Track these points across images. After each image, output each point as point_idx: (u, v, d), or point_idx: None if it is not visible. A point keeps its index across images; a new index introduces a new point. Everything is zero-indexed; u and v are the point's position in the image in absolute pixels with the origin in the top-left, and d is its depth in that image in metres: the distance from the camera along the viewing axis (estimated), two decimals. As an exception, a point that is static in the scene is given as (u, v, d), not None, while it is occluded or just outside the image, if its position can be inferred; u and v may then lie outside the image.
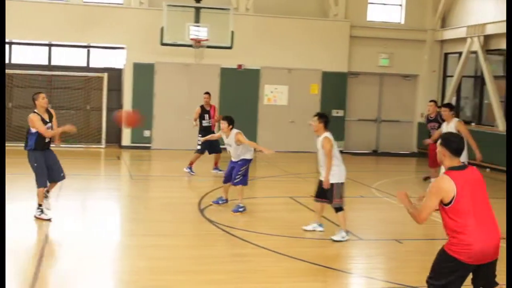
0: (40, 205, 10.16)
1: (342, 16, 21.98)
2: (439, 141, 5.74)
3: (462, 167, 5.61)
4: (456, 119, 12.57)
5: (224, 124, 11.38)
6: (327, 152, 9.56)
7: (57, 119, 10.67)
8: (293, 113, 21.17)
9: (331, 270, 8.32)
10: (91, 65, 21.07)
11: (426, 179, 15.17)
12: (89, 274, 7.78)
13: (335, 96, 21.79)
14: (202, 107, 15.73)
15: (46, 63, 20.69)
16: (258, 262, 8.56)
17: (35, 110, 10.17)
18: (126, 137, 20.42)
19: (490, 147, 16.13)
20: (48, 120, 10.22)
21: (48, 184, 10.37)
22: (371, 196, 13.75)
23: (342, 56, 21.78)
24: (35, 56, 20.77)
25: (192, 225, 10.66)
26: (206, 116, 15.67)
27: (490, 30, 19.77)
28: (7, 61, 19.81)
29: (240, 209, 11.27)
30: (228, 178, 11.64)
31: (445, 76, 22.84)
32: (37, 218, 10.14)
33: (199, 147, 15.30)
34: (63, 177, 10.52)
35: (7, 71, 18.20)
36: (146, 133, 20.40)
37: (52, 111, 10.47)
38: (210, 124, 15.69)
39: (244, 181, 11.46)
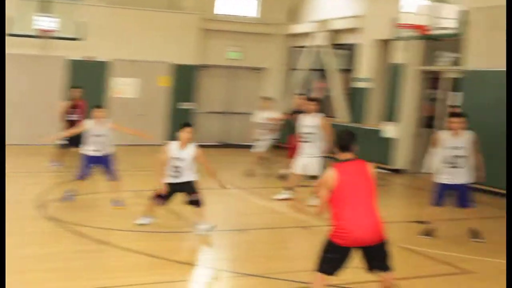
0: None
1: (193, 9, 21.91)
2: None
3: (349, 159, 6.19)
4: (320, 114, 12.74)
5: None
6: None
7: None
8: (143, 106, 20.83)
9: (176, 263, 8.26)
10: None
11: (282, 177, 15.03)
12: None
13: (186, 89, 21.71)
14: (70, 101, 15.53)
15: None
16: (100, 258, 8.34)
17: None
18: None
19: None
20: None
21: None
22: (218, 188, 13.77)
23: (192, 49, 21.72)
24: None
25: (29, 223, 10.14)
26: (73, 110, 15.37)
27: (335, 25, 20.45)
28: None
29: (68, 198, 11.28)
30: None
31: (292, 69, 23.39)
32: None
33: (63, 142, 14.79)
34: None
35: None
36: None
37: None
38: (76, 119, 15.03)
39: (78, 175, 11.34)
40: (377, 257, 6.18)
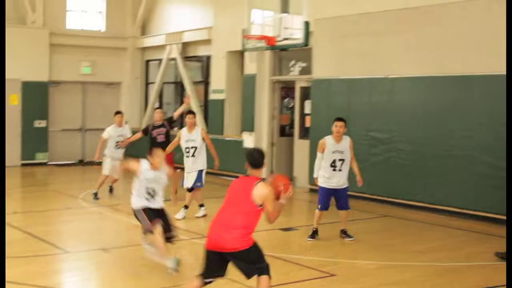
0: None
1: (41, 24, 21.31)
2: None
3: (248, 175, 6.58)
4: (200, 127, 12.70)
5: None
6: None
7: None
8: (-8, 126, 20.02)
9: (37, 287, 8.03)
10: None
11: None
12: None
13: (37, 106, 21.04)
14: None
15: None
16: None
17: None
18: None
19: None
20: None
21: None
22: (78, 207, 13.54)
23: (42, 65, 21.10)
24: None
25: None
26: None
27: (187, 38, 20.63)
28: None
29: None
30: None
31: (147, 83, 23.34)
32: None
33: None
34: None
35: None
36: None
37: None
38: None
39: None
40: (244, 265, 6.43)
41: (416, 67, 13.38)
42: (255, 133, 17.36)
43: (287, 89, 17.60)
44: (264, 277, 6.49)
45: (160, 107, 15.94)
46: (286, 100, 17.69)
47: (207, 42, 19.65)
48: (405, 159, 13.55)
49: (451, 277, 8.52)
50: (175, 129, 14.73)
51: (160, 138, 13.84)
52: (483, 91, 12.25)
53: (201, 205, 12.24)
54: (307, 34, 13.70)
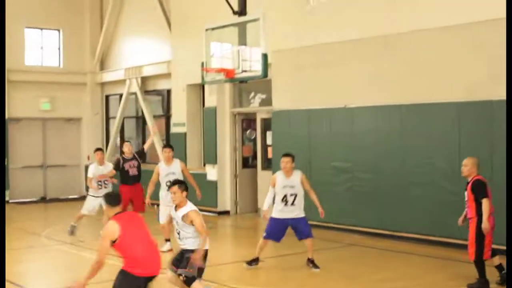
0: None
1: (-2, 61, 21.18)
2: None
3: (120, 212, 7.25)
4: (178, 160, 12.63)
5: None
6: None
7: None
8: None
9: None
10: None
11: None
12: None
13: (-4, 144, 20.80)
14: None
15: None
16: None
17: None
18: None
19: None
20: None
21: None
22: (41, 245, 13.37)
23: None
24: None
25: None
26: None
27: (146, 72, 20.67)
28: None
29: None
30: None
31: (108, 118, 23.27)
32: None
33: None
34: None
35: None
36: None
37: None
38: None
39: None
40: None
41: (374, 96, 13.63)
42: (218, 165, 17.41)
43: (248, 121, 17.75)
44: None
45: (128, 140, 15.60)
46: (248, 131, 17.82)
47: (167, 75, 19.71)
48: (367, 187, 13.73)
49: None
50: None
51: (133, 172, 13.47)
52: (439, 118, 12.50)
53: (168, 240, 12.17)
54: (266, 65, 13.82)
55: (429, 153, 12.67)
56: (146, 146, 14.35)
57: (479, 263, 9.12)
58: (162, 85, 20.50)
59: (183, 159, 18.60)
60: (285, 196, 10.57)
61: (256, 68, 13.80)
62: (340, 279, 10.14)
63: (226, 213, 17.48)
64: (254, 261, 10.73)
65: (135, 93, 21.25)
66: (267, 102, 16.57)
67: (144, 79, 21.00)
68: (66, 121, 22.77)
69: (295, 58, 15.36)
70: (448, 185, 12.20)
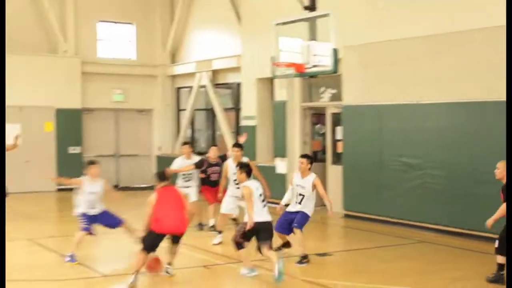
0: None
1: (73, 52, 21.77)
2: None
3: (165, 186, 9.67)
4: (247, 158, 12.64)
5: None
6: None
7: None
8: (28, 153, 20.27)
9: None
10: None
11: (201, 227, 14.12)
12: None
13: (71, 133, 21.43)
14: None
15: None
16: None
17: None
18: None
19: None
20: None
21: None
22: (114, 231, 13.63)
23: (75, 93, 21.53)
24: None
25: None
26: None
27: (216, 65, 20.89)
28: None
29: None
30: None
31: (178, 110, 23.62)
32: None
33: None
34: None
35: None
36: None
37: None
38: None
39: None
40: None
41: (447, 93, 13.42)
42: (288, 159, 17.46)
43: (318, 115, 17.73)
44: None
45: (215, 144, 15.36)
46: (317, 126, 17.80)
47: (237, 69, 19.89)
48: (439, 184, 13.53)
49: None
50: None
51: (214, 177, 13.60)
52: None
53: (220, 232, 12.38)
54: (336, 61, 13.82)
55: (502, 151, 12.38)
56: (230, 153, 14.08)
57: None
58: (232, 78, 20.68)
59: (253, 152, 18.81)
60: (296, 194, 10.74)
61: (326, 63, 13.79)
62: (412, 274, 10.05)
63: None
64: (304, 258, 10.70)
65: (205, 86, 21.50)
66: (337, 97, 16.51)
67: (215, 72, 21.23)
68: (138, 112, 23.23)
69: (366, 54, 15.26)
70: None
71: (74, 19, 21.86)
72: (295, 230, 10.64)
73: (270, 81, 18.46)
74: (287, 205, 11.02)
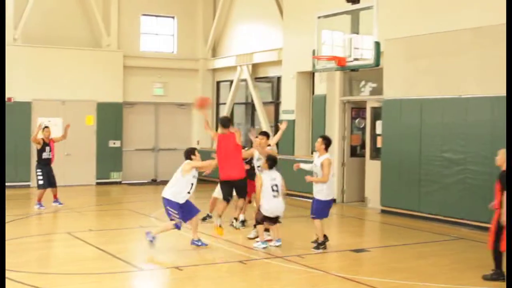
0: None
1: (115, 46, 21.94)
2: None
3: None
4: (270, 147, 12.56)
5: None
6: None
7: None
8: (69, 146, 20.50)
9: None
10: None
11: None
12: None
13: (112, 127, 21.61)
14: (43, 139, 15.82)
15: None
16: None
17: None
18: None
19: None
20: None
21: None
22: (151, 226, 13.75)
23: (116, 86, 21.70)
24: None
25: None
26: (47, 148, 15.84)
27: (257, 59, 20.83)
28: None
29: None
30: None
31: (218, 104, 23.63)
32: None
33: (41, 182, 15.60)
34: None
35: None
36: None
37: None
38: (50, 157, 15.88)
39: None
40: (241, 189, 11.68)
41: (490, 87, 13.13)
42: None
43: (357, 110, 17.54)
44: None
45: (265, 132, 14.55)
46: (356, 120, 17.61)
47: (277, 63, 19.80)
48: (479, 180, 13.25)
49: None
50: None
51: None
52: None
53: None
54: (378, 54, 13.62)
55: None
56: (273, 141, 13.56)
57: (496, 254, 9.20)
58: (272, 72, 20.60)
59: (291, 146, 18.73)
60: (315, 175, 11.30)
61: (368, 56, 13.61)
62: (448, 272, 9.85)
63: (333, 201, 17.31)
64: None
65: (245, 80, 21.48)
66: (377, 91, 16.30)
67: (255, 66, 21.18)
68: (177, 106, 23.31)
69: (408, 47, 15.03)
70: None
71: (117, 13, 22.01)
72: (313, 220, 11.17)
73: (311, 75, 18.34)
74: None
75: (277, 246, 11.08)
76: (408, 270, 9.98)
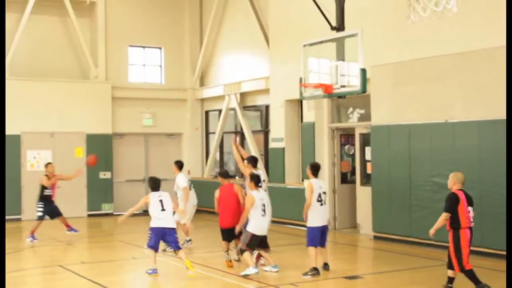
0: None
1: (103, 78, 22.03)
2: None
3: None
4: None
5: None
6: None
7: None
8: (59, 178, 20.44)
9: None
10: None
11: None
12: None
13: (102, 158, 21.50)
14: (47, 175, 16.20)
15: None
16: None
17: None
18: None
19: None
20: None
21: None
22: (143, 257, 13.70)
23: (105, 118, 21.75)
24: None
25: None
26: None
27: (245, 87, 20.96)
28: None
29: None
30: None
31: (207, 133, 23.71)
32: None
33: (40, 213, 15.89)
34: None
35: None
36: None
37: None
38: (51, 194, 16.26)
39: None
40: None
41: (476, 111, 13.27)
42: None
43: (346, 136, 17.65)
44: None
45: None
46: (346, 147, 17.71)
47: (265, 91, 19.92)
48: (469, 204, 13.29)
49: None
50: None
51: None
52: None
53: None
54: (364, 81, 13.74)
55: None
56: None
57: (467, 273, 9.50)
58: (260, 100, 20.73)
59: (281, 173, 18.79)
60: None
61: (355, 83, 13.72)
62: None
63: (326, 228, 17.30)
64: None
65: (234, 109, 21.57)
66: (365, 117, 16.42)
67: (243, 95, 21.30)
68: (167, 136, 23.36)
69: (394, 73, 15.18)
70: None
71: (104, 44, 22.13)
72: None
73: (299, 102, 18.45)
74: None
75: (275, 272, 11.31)
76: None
